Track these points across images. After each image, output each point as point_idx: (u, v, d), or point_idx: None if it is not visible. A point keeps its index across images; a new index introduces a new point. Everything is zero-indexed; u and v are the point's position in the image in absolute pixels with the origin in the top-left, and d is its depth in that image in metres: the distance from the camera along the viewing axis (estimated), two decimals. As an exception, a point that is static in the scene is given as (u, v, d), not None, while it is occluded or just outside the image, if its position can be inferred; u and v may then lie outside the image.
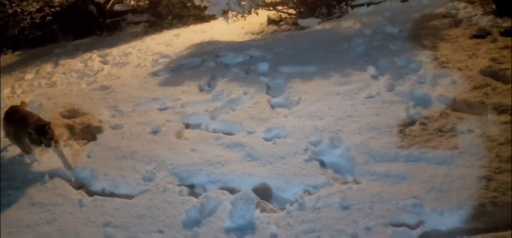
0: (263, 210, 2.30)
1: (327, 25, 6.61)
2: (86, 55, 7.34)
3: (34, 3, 9.02)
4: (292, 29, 7.12)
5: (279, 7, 7.52)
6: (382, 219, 2.05)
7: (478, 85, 3.33)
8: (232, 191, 2.50)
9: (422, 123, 2.93)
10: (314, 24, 6.91)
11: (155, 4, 9.70)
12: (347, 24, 6.40)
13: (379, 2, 7.15)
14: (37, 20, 9.10)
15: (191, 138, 3.32)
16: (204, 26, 8.69)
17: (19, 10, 8.84)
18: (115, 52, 7.34)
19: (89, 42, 9.04)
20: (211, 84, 4.69)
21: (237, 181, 2.65)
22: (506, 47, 4.21)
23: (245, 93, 4.12)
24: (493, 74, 3.55)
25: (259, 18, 8.03)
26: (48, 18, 9.18)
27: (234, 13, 6.90)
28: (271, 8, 7.15)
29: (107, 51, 7.53)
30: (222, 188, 2.59)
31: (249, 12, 6.25)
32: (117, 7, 10.81)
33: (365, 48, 5.06)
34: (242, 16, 6.26)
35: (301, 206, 2.24)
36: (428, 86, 3.58)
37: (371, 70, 4.06)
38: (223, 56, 5.63)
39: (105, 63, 6.69)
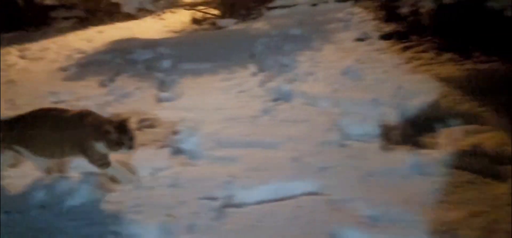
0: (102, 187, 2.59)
1: (241, 26, 6.99)
2: (4, 50, 7.31)
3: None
4: (211, 28, 7.44)
5: (200, 7, 7.81)
6: (197, 193, 2.40)
7: (333, 82, 3.79)
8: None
9: (272, 115, 3.33)
10: (230, 25, 7.26)
11: (85, 0, 9.71)
12: (259, 25, 6.82)
13: (293, 5, 7.61)
14: (-42, 13, 8.88)
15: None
16: (131, 24, 8.80)
17: None
18: (35, 47, 7.36)
19: (13, 36, 8.92)
20: (113, 79, 4.90)
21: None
22: (378, 49, 4.74)
23: (137, 88, 4.38)
24: (350, 73, 4.03)
25: (183, 17, 8.31)
26: (-30, 10, 8.98)
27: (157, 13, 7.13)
28: (187, 8, 7.42)
29: (27, 45, 7.51)
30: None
31: (164, 11, 6.51)
32: (48, 1, 10.67)
33: (263, 48, 5.45)
34: (158, 15, 6.50)
35: (138, 186, 2.55)
36: (298, 83, 4.00)
37: (252, 68, 4.45)
38: (133, 53, 5.85)
39: (22, 57, 6.71)
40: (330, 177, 2.43)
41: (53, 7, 10.64)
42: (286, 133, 3.00)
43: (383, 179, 2.36)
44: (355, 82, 3.75)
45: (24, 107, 4.12)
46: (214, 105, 3.68)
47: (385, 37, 5.18)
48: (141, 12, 6.33)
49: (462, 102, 3.15)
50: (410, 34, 5.13)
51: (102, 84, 4.77)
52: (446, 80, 3.55)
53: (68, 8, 10.55)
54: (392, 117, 3.03)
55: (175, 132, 3.25)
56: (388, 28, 5.46)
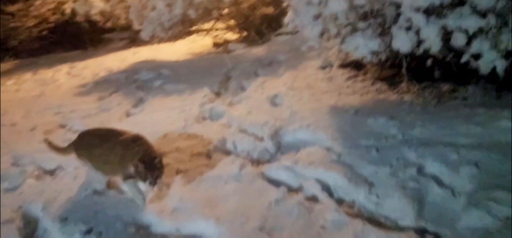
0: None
1: (244, 50, 7.78)
2: (59, 67, 8.94)
3: (33, 19, 10.87)
4: (222, 52, 8.33)
5: (218, 33, 8.79)
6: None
7: (254, 106, 4.42)
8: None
9: (185, 130, 4.07)
10: (238, 49, 8.10)
11: (135, 23, 11.25)
12: (258, 50, 7.55)
13: (296, 32, 8.19)
14: (35, 34, 10.94)
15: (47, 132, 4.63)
16: (163, 46, 10.10)
17: (20, 24, 10.72)
18: (81, 65, 8.88)
19: (73, 55, 10.69)
20: (111, 95, 6.01)
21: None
22: (327, 77, 5.22)
23: (118, 104, 5.41)
24: (276, 99, 4.61)
25: (207, 42, 9.36)
26: (44, 32, 11.00)
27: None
28: (196, 33, 8.42)
29: (76, 64, 9.09)
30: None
31: (174, 38, 7.57)
32: (109, 24, 12.48)
33: (240, 72, 6.19)
34: (168, 40, 7.58)
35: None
36: (234, 106, 4.69)
37: (206, 90, 5.22)
38: (139, 73, 6.97)
39: (68, 74, 8.21)
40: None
41: (112, 29, 12.43)
42: (178, 145, 3.73)
43: (208, 185, 3.01)
44: (269, 107, 4.34)
45: (34, 116, 5.39)
46: (155, 121, 4.51)
47: (344, 65, 5.59)
48: (155, 38, 7.39)
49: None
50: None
51: (100, 99, 5.90)
52: (333, 109, 4.02)
53: (125, 29, 12.24)
54: (266, 137, 3.61)
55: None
56: (352, 57, 5.83)
